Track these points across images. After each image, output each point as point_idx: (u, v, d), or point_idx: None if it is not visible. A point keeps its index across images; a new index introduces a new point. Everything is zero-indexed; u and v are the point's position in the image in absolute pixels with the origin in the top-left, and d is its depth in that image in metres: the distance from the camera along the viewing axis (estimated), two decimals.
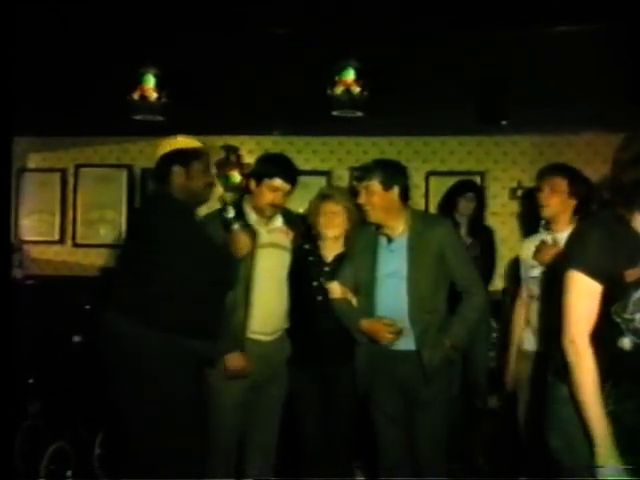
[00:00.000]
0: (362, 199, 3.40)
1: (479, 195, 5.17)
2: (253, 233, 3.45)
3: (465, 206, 5.01)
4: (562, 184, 3.47)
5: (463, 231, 4.91)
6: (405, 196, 3.44)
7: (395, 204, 3.39)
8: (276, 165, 3.64)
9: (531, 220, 3.87)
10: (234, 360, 3.45)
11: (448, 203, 5.11)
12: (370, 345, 3.40)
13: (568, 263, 2.27)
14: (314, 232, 3.73)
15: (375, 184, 3.36)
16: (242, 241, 3.34)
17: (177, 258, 3.06)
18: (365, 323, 3.38)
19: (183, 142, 3.36)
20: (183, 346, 3.09)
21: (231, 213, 3.40)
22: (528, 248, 3.65)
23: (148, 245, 3.08)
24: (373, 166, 3.44)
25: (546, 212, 3.53)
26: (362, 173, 3.46)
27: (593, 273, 2.20)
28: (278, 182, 3.53)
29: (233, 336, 3.44)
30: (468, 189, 5.11)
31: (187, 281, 3.09)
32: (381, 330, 3.30)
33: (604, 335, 2.22)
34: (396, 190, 3.38)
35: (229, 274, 3.32)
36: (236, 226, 3.36)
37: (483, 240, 5.04)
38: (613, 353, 2.22)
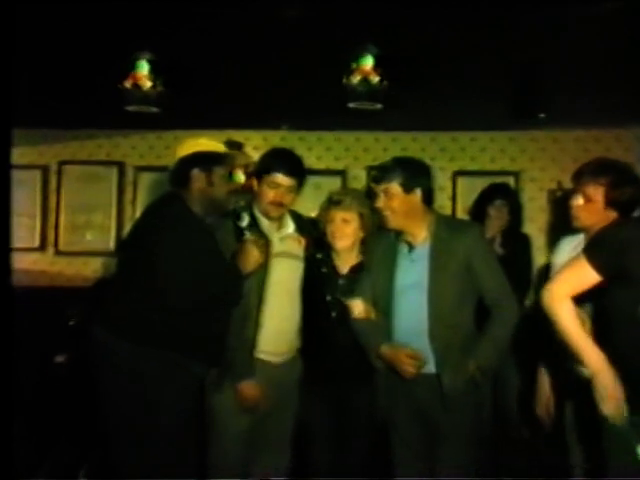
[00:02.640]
0: (380, 203, 3.39)
1: (512, 200, 5.15)
2: (266, 245, 3.47)
3: (496, 214, 4.99)
4: (597, 192, 3.18)
5: (497, 242, 4.90)
6: (429, 199, 3.43)
7: (417, 208, 3.39)
8: (275, 158, 3.64)
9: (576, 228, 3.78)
10: (249, 389, 3.42)
11: (479, 211, 5.09)
12: (388, 371, 3.40)
13: (585, 247, 2.77)
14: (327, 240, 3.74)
15: (395, 186, 3.35)
16: (253, 254, 3.35)
17: (180, 271, 3.08)
18: (386, 350, 3.36)
19: (206, 144, 3.41)
20: (182, 367, 3.12)
21: (245, 221, 3.43)
22: (563, 252, 3.49)
23: (150, 254, 3.10)
24: (392, 165, 3.43)
25: (577, 223, 3.33)
26: (380, 173, 3.44)
27: (600, 269, 2.65)
28: (278, 177, 3.52)
29: (249, 359, 3.43)
30: (499, 194, 5.08)
31: (190, 296, 3.11)
32: (402, 361, 3.29)
33: (631, 336, 2.63)
34: (418, 193, 3.38)
35: (236, 290, 3.33)
36: (247, 236, 3.39)
37: (518, 249, 5.02)
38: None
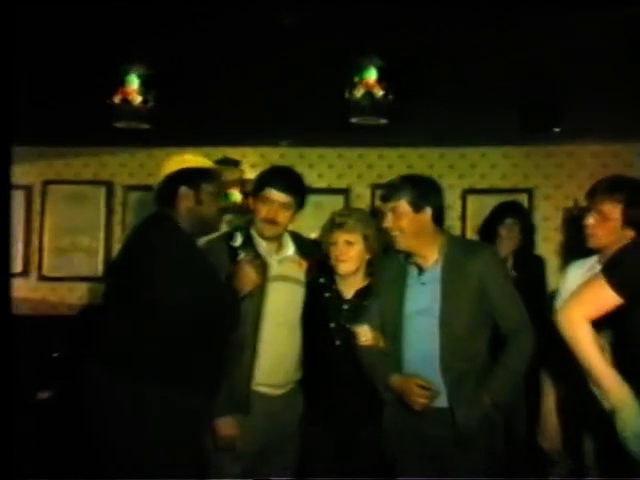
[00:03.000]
0: (388, 222, 3.37)
1: (524, 219, 5.13)
2: (263, 265, 3.45)
3: (507, 234, 4.97)
4: (614, 211, 3.16)
5: (508, 264, 4.88)
6: (439, 219, 3.41)
7: (427, 228, 3.36)
8: (269, 174, 3.64)
9: (591, 248, 3.77)
10: (226, 427, 3.38)
11: (488, 231, 5.07)
12: (398, 404, 3.37)
13: (603, 267, 2.67)
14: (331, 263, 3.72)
15: (404, 205, 3.33)
16: (249, 274, 3.33)
17: (177, 296, 3.05)
18: (396, 380, 3.31)
19: (193, 160, 3.39)
20: (181, 403, 3.08)
21: (238, 241, 3.40)
22: (572, 277, 3.41)
23: (142, 280, 3.07)
24: (401, 183, 3.42)
25: (591, 243, 3.29)
26: (388, 192, 3.42)
27: (620, 290, 2.57)
28: (270, 192, 3.50)
29: (232, 393, 3.39)
30: (510, 213, 5.06)
31: (189, 323, 3.08)
32: (413, 392, 3.25)
33: None
34: (428, 211, 3.35)
35: (234, 313, 3.29)
36: (242, 256, 3.38)
37: (531, 273, 4.99)
38: None
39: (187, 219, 3.26)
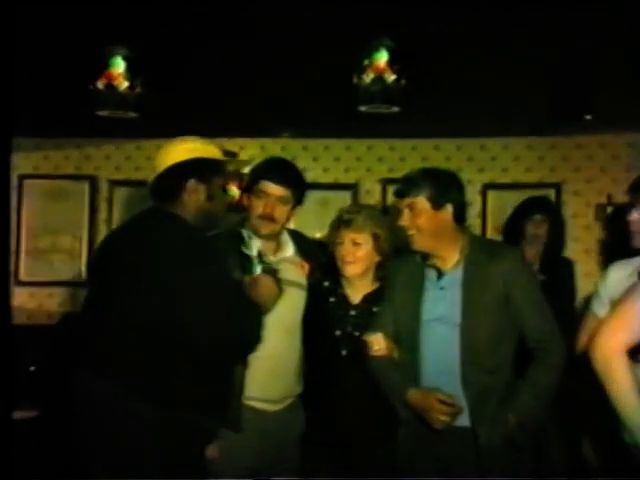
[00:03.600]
0: (404, 220, 3.36)
1: (554, 216, 5.13)
2: (277, 276, 3.37)
3: (534, 233, 4.96)
4: None
5: (534, 267, 4.87)
6: (461, 217, 3.41)
7: (448, 227, 3.36)
8: (263, 166, 3.67)
9: (627, 248, 3.76)
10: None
11: (513, 229, 5.06)
12: (416, 422, 3.35)
13: None
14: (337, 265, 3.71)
15: (422, 201, 3.33)
16: (271, 287, 3.28)
17: (203, 310, 2.94)
18: (414, 395, 3.30)
19: (203, 149, 3.30)
20: (188, 423, 3.04)
21: (254, 250, 3.37)
22: (614, 281, 3.38)
23: (145, 286, 2.96)
24: (420, 177, 3.41)
25: (638, 242, 3.34)
26: (405, 186, 3.42)
27: None
28: (266, 185, 3.52)
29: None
30: (538, 209, 5.05)
31: (214, 339, 3.00)
32: (434, 408, 3.22)
33: None
34: (449, 209, 3.35)
35: (259, 329, 3.16)
36: (258, 268, 3.32)
37: (559, 276, 4.99)
38: None
39: (193, 215, 3.17)
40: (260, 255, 3.39)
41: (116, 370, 3.01)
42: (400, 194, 3.42)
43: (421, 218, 3.34)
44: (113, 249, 3.25)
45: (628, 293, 2.65)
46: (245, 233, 3.44)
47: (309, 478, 3.59)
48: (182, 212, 3.16)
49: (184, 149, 3.26)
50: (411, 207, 3.35)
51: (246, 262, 3.35)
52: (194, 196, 3.19)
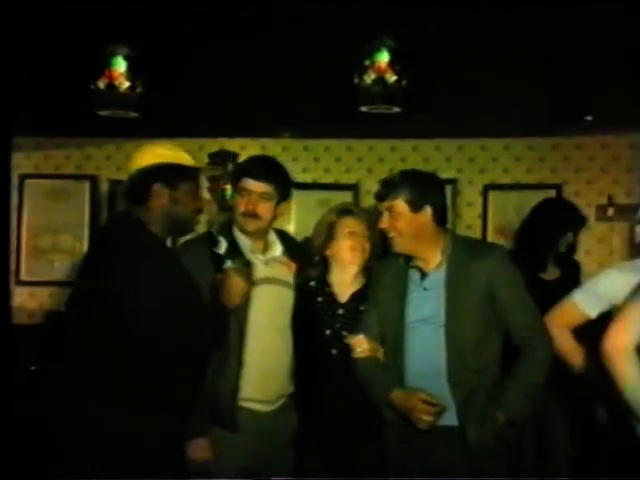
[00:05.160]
0: (384, 223, 3.37)
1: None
2: (250, 273, 3.40)
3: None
4: None
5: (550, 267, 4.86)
6: (441, 218, 3.40)
7: (428, 229, 3.36)
8: (244, 164, 3.74)
9: (629, 249, 3.75)
10: (198, 449, 3.37)
11: (531, 230, 5.01)
12: (401, 423, 3.36)
13: None
14: (328, 262, 3.71)
15: (400, 204, 3.33)
16: (238, 284, 3.28)
17: (152, 313, 2.97)
18: (398, 396, 3.31)
19: (169, 154, 3.31)
20: (158, 424, 3.05)
21: (223, 248, 3.40)
22: (618, 284, 3.32)
23: (106, 288, 3.01)
24: (398, 180, 3.40)
25: None
26: (384, 189, 3.40)
27: None
28: (247, 182, 3.54)
29: (217, 410, 3.39)
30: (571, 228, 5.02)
31: (163, 340, 3.00)
32: (417, 408, 3.23)
33: None
34: (428, 211, 3.35)
35: (222, 330, 3.26)
36: (229, 264, 3.34)
37: (567, 277, 4.97)
38: None
39: (158, 219, 3.19)
40: (232, 252, 3.40)
41: (78, 373, 3.04)
42: (379, 197, 3.42)
43: (400, 221, 3.34)
44: (84, 258, 3.33)
45: (635, 292, 2.70)
46: (215, 233, 3.46)
47: (302, 478, 3.59)
48: (148, 215, 3.19)
49: (152, 154, 3.30)
50: (390, 210, 3.36)
51: (217, 261, 3.37)
52: (158, 200, 3.20)
